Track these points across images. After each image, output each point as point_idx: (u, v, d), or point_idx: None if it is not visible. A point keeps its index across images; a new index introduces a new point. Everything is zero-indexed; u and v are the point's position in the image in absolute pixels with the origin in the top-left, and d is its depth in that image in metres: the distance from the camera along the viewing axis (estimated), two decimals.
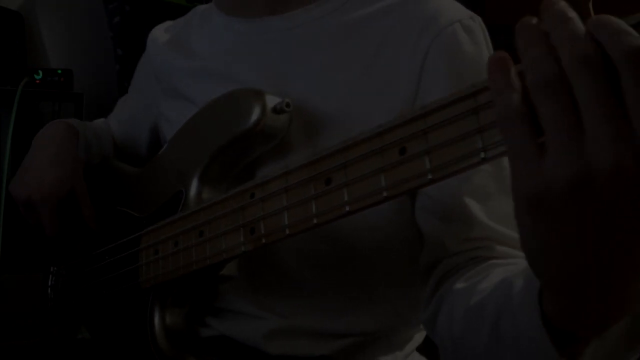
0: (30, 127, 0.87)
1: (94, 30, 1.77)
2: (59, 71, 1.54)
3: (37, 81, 1.51)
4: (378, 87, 0.69)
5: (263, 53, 0.77)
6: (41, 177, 0.82)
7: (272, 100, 0.67)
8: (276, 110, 0.67)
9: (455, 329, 0.57)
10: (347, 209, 0.50)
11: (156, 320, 0.71)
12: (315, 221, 0.52)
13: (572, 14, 0.35)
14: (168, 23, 0.95)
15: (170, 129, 0.82)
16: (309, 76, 0.73)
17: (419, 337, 0.81)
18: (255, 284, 0.73)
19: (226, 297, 0.75)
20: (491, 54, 0.45)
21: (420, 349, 0.82)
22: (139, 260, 0.73)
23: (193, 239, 0.66)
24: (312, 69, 0.73)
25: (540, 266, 0.40)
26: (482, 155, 0.40)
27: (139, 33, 1.59)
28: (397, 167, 0.46)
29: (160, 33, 0.93)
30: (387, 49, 0.70)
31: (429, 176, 0.44)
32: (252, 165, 0.72)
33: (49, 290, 0.93)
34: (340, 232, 0.69)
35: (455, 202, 0.64)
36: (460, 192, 0.64)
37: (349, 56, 0.71)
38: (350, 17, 0.74)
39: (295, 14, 0.76)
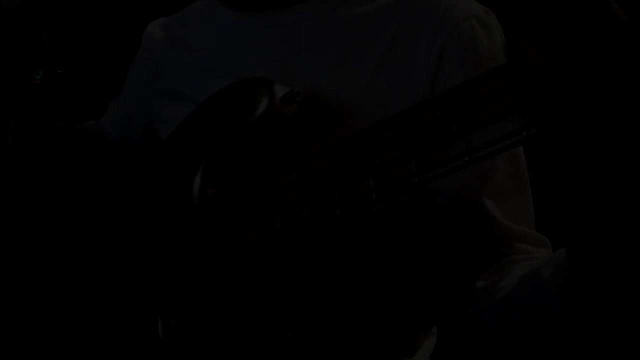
0: (30, 127, 0.86)
1: (94, 30, 1.76)
2: (59, 71, 1.53)
3: (37, 81, 1.50)
4: (393, 81, 0.68)
5: (272, 47, 0.75)
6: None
7: (280, 90, 0.64)
8: (286, 100, 0.64)
9: (482, 327, 0.58)
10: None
11: (160, 322, 0.67)
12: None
13: None
14: (163, 19, 0.93)
15: (168, 130, 0.80)
16: (321, 70, 0.71)
17: (429, 343, 0.80)
18: (266, 293, 0.71)
19: (240, 304, 0.72)
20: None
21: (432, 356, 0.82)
22: None
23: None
24: (324, 63, 0.72)
25: None
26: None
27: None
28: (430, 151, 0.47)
29: (155, 29, 0.91)
30: (401, 42, 0.69)
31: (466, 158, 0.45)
32: (260, 161, 0.69)
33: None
34: (346, 229, 0.68)
35: (475, 204, 0.64)
36: (480, 193, 0.64)
37: (361, 49, 0.70)
38: (361, 9, 0.73)
39: (304, 7, 0.75)
